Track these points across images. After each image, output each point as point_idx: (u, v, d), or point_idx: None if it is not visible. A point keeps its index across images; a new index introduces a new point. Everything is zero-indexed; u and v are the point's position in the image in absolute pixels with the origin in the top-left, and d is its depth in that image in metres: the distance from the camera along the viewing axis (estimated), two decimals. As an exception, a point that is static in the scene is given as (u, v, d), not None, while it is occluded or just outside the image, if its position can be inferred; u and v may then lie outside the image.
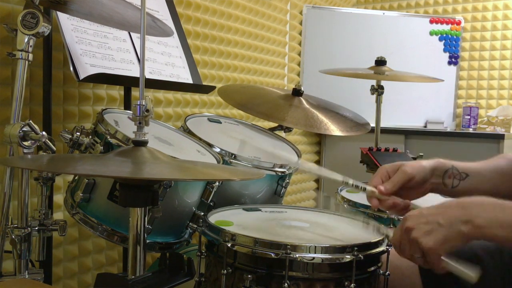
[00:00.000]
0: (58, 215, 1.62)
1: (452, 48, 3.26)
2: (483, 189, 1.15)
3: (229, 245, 0.98)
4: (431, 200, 1.13)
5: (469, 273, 0.92)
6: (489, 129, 3.09)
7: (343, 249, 0.97)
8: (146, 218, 1.00)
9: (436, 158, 1.16)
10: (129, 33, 1.62)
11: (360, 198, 1.53)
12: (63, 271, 1.68)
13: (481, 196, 0.95)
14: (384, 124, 2.19)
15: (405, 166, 1.12)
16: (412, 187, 1.12)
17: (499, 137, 2.74)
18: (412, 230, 0.93)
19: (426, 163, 1.14)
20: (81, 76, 1.36)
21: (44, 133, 1.11)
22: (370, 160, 1.98)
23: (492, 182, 1.16)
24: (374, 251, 1.01)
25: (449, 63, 3.26)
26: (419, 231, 0.93)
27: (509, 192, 1.16)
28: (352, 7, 3.57)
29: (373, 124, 2.08)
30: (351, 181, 1.14)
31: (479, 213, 0.91)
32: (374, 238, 1.04)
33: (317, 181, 3.28)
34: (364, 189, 1.12)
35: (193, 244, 1.45)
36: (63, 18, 1.42)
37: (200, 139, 1.44)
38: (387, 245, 1.05)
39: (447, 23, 3.24)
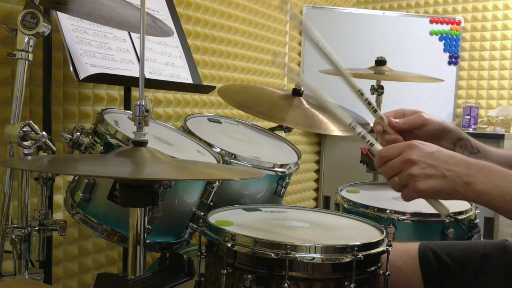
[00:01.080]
0: (58, 215, 1.62)
1: (452, 48, 3.26)
2: None
3: (229, 245, 0.98)
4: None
5: (442, 205, 0.95)
6: (489, 129, 3.09)
7: (343, 249, 0.97)
8: (146, 218, 1.00)
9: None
10: (129, 33, 1.62)
11: (360, 198, 1.53)
12: (63, 271, 1.68)
13: (490, 162, 0.95)
14: (384, 124, 2.19)
15: (424, 113, 1.11)
16: (421, 137, 1.09)
17: (499, 137, 2.73)
18: (414, 164, 0.92)
19: (445, 122, 1.13)
20: (81, 76, 1.36)
21: (44, 133, 1.11)
22: (370, 160, 1.98)
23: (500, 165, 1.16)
24: (374, 251, 1.01)
25: (449, 63, 3.26)
26: (421, 170, 0.91)
27: None
28: (352, 7, 3.57)
29: (373, 124, 2.07)
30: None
31: (483, 177, 0.90)
32: (374, 238, 1.04)
33: (317, 181, 3.28)
34: (376, 111, 1.07)
35: (193, 244, 1.45)
36: (63, 18, 1.42)
37: (200, 139, 1.44)
38: (387, 245, 1.05)
39: (447, 23, 3.24)
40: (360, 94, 1.09)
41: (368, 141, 1.04)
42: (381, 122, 1.07)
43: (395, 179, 0.94)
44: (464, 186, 0.90)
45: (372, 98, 1.07)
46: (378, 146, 1.04)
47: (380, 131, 1.08)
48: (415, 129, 1.09)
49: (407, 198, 0.94)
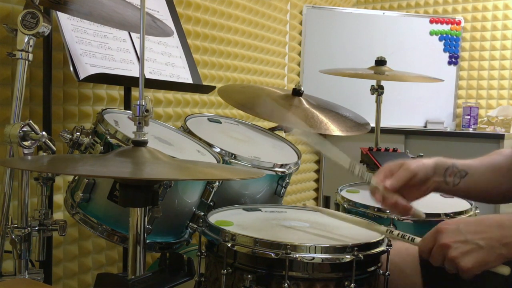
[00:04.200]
0: (58, 215, 1.62)
1: (452, 48, 3.26)
2: (482, 186, 1.16)
3: (229, 245, 0.98)
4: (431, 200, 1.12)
5: (501, 268, 0.92)
6: (489, 129, 3.09)
7: (343, 249, 0.97)
8: (146, 218, 1.00)
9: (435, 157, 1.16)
10: (129, 33, 1.62)
11: (360, 198, 1.53)
12: (63, 271, 1.68)
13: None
14: (384, 124, 2.19)
15: (408, 164, 1.11)
16: (415, 185, 1.11)
17: (499, 137, 2.73)
18: (449, 248, 0.92)
19: (427, 161, 1.13)
20: (81, 76, 1.36)
21: (44, 133, 1.11)
22: (370, 160, 1.98)
23: (488, 180, 1.16)
24: (374, 251, 1.01)
25: (449, 63, 3.26)
26: (457, 250, 0.91)
27: (507, 189, 1.16)
28: (352, 7, 3.57)
29: (373, 124, 2.07)
30: (357, 170, 1.11)
31: None
32: (374, 238, 1.04)
33: (317, 181, 3.28)
34: (369, 182, 1.09)
35: (193, 244, 1.45)
36: (63, 18, 1.42)
37: (200, 139, 1.44)
38: (387, 245, 1.05)
39: (447, 23, 3.24)
40: (351, 171, 1.12)
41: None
42: (378, 190, 1.08)
43: (446, 266, 0.94)
44: (505, 248, 0.89)
45: (364, 170, 1.11)
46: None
47: (380, 200, 1.09)
48: (407, 182, 1.10)
49: (465, 278, 0.93)
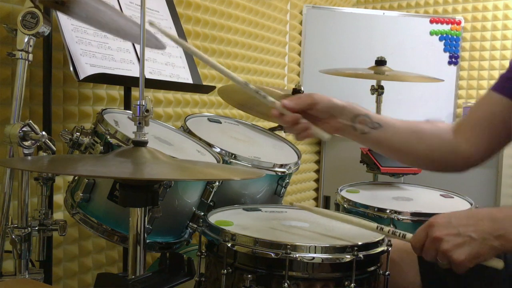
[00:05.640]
0: (58, 215, 1.62)
1: (452, 48, 3.26)
2: (395, 142, 1.16)
3: (229, 245, 0.98)
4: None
5: (495, 262, 0.92)
6: (489, 129, 3.09)
7: (343, 249, 0.97)
8: (146, 218, 1.00)
9: None
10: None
11: (360, 198, 1.53)
12: (63, 271, 1.68)
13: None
14: (384, 124, 2.19)
15: (314, 93, 1.12)
16: (317, 117, 1.12)
17: (499, 137, 2.73)
18: (442, 241, 0.91)
19: (337, 100, 1.14)
20: (81, 76, 1.36)
21: (44, 133, 1.11)
22: (370, 160, 1.98)
23: (406, 139, 1.16)
24: (374, 251, 1.01)
25: (449, 63, 3.26)
26: (450, 243, 0.91)
27: (425, 155, 1.17)
28: (352, 7, 3.57)
29: (373, 124, 2.07)
30: (254, 87, 1.09)
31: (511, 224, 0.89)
32: (374, 238, 1.04)
33: (317, 181, 3.28)
34: (265, 97, 1.09)
35: (193, 244, 1.45)
36: (63, 18, 1.42)
37: (200, 139, 1.44)
38: (387, 245, 1.05)
39: (447, 23, 3.24)
40: (245, 85, 1.10)
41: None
42: (275, 105, 1.08)
43: (438, 261, 0.94)
44: (498, 240, 0.89)
45: (261, 91, 1.10)
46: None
47: (277, 114, 1.10)
48: (308, 109, 1.11)
49: (459, 271, 0.93)
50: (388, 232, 1.04)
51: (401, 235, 1.02)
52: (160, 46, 1.29)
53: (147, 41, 1.27)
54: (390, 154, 1.23)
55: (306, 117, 1.10)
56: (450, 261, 0.92)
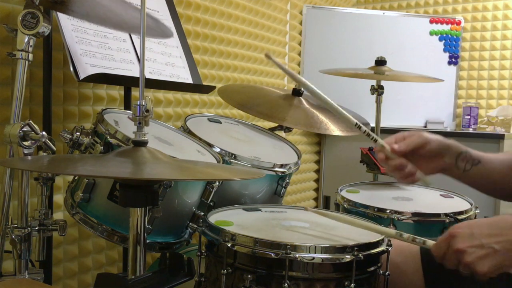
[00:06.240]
0: (58, 215, 1.62)
1: (452, 48, 3.26)
2: (493, 177, 1.16)
3: (229, 245, 0.98)
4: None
5: None
6: (489, 129, 3.09)
7: (343, 249, 0.97)
8: (146, 218, 1.00)
9: None
10: (129, 33, 1.62)
11: (360, 198, 1.53)
12: (63, 271, 1.68)
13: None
14: (384, 124, 2.19)
15: (424, 133, 1.10)
16: (424, 156, 1.10)
17: (499, 137, 2.73)
18: (464, 253, 0.90)
19: (444, 138, 1.13)
20: (81, 76, 1.36)
21: (44, 133, 1.11)
22: (370, 160, 1.98)
23: (502, 173, 1.15)
24: (374, 251, 1.01)
25: (449, 63, 3.26)
26: (473, 255, 0.90)
27: None
28: (352, 7, 3.57)
29: (373, 124, 2.08)
30: (363, 128, 1.08)
31: None
32: (374, 238, 1.04)
33: (317, 181, 3.28)
34: (376, 140, 1.08)
35: (193, 244, 1.45)
36: (63, 18, 1.42)
37: (200, 139, 1.44)
38: (387, 245, 1.05)
39: (447, 23, 3.24)
40: (358, 127, 1.10)
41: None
42: (383, 150, 1.07)
43: (461, 270, 0.93)
44: None
45: (369, 129, 1.09)
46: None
47: (383, 159, 1.08)
48: (417, 149, 1.09)
49: (481, 280, 0.92)
50: (408, 238, 1.02)
51: (421, 241, 1.01)
52: (167, 33, 1.28)
53: (153, 30, 1.27)
54: (486, 189, 1.22)
55: (412, 159, 1.09)
56: (472, 272, 0.92)
